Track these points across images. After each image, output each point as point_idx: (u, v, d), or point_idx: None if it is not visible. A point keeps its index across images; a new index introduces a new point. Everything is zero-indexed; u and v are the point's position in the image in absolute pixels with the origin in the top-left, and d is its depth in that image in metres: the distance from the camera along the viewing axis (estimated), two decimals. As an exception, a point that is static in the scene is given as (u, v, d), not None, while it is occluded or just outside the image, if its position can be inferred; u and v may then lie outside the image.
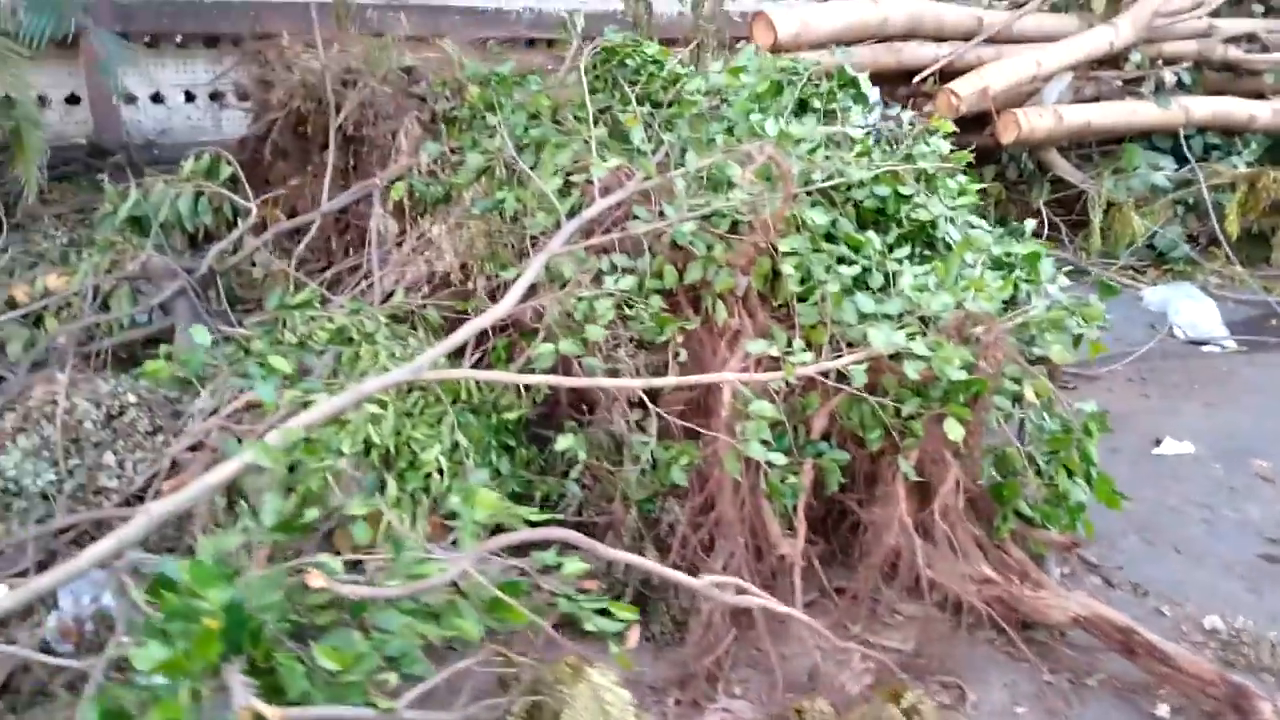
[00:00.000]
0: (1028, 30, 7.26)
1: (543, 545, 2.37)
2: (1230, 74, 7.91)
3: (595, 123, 4.03)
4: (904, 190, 3.50)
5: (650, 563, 2.49)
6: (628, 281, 3.19)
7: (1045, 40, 7.28)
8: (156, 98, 8.07)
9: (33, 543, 3.24)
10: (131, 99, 7.98)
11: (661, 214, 3.44)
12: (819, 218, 3.27)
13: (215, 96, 8.36)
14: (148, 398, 3.72)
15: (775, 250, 3.24)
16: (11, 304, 5.05)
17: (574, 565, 2.20)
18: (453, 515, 2.86)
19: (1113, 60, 7.36)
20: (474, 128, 4.21)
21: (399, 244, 4.25)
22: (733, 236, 3.33)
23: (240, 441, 2.94)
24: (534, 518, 2.36)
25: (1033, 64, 6.72)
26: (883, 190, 3.48)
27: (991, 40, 7.03)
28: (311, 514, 2.49)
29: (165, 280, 4.61)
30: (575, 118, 3.94)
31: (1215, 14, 7.82)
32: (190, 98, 8.30)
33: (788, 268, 3.16)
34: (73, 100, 7.80)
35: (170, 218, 4.83)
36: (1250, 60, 7.98)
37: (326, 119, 5.54)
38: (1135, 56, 7.29)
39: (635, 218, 3.56)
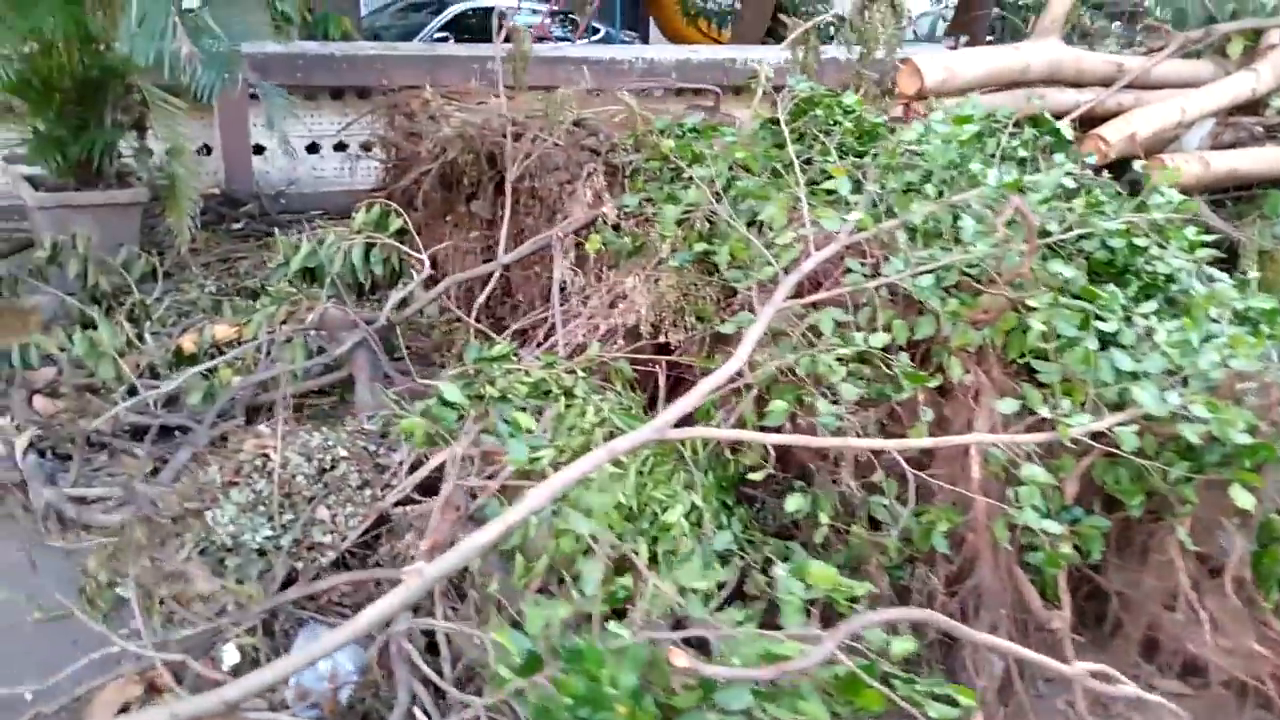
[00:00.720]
0: (1165, 76, 7.13)
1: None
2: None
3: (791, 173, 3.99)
4: (1138, 241, 3.39)
5: (1021, 649, 2.32)
6: (880, 339, 3.10)
7: (1181, 86, 7.15)
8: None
9: (258, 600, 3.20)
10: (259, 150, 8.12)
11: (876, 268, 3.36)
12: (1066, 271, 3.17)
13: (340, 147, 8.49)
14: (355, 451, 3.70)
15: (1018, 305, 3.14)
16: (179, 354, 5.10)
17: (903, 645, 2.09)
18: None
19: (1251, 106, 7.21)
20: (660, 178, 4.18)
21: (585, 297, 4.21)
22: (964, 291, 3.24)
23: (503, 501, 2.87)
24: (859, 592, 2.25)
25: (1178, 110, 6.59)
26: (1117, 242, 3.38)
27: (1130, 86, 6.92)
28: (625, 582, 2.41)
29: (343, 331, 4.61)
30: (775, 170, 3.88)
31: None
32: (315, 149, 8.43)
33: (1036, 323, 3.06)
34: (203, 151, 7.95)
35: (343, 269, 4.85)
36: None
37: (481, 171, 5.59)
38: (1276, 102, 7.13)
39: (850, 270, 3.50)
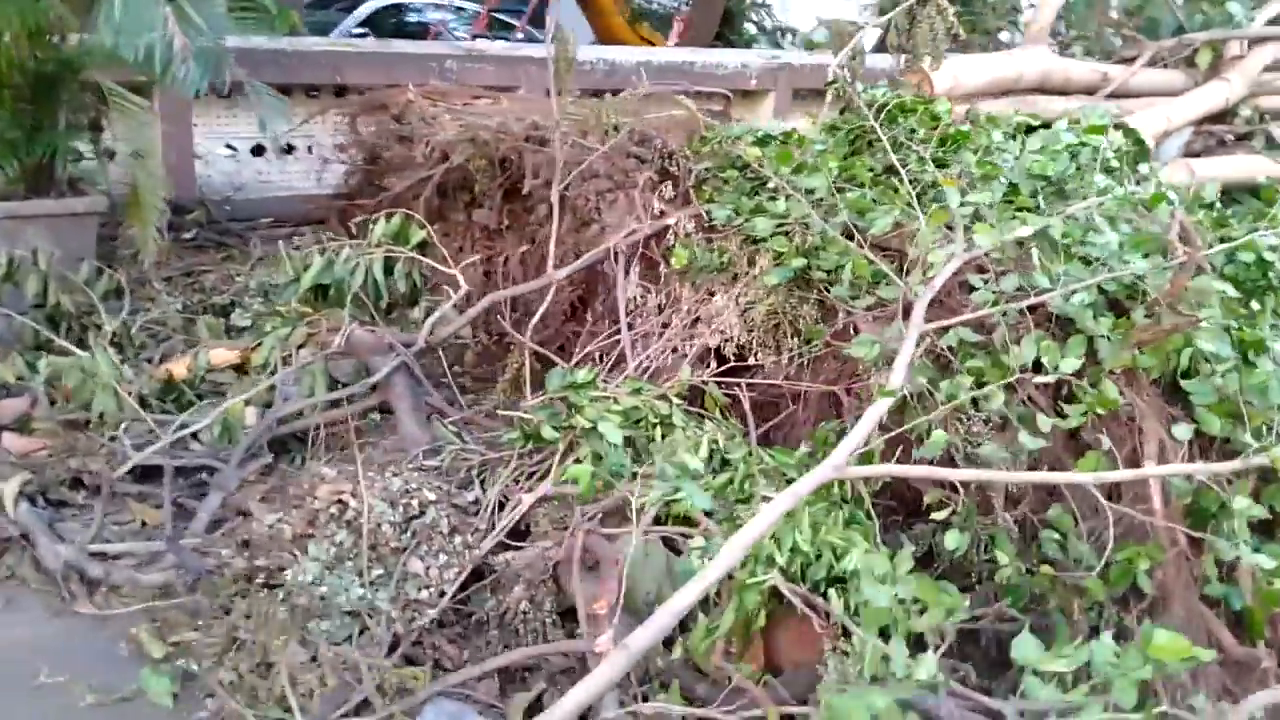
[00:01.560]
0: (1140, 85, 7.26)
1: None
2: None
3: (873, 184, 3.80)
4: (1267, 256, 3.31)
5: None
6: (1071, 364, 2.90)
7: (1156, 94, 7.29)
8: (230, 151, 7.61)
9: (368, 674, 2.81)
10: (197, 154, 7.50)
11: (1022, 285, 3.19)
12: (1222, 288, 3.05)
13: (287, 150, 7.92)
14: (440, 494, 3.32)
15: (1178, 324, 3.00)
16: (169, 382, 4.57)
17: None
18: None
19: (1220, 115, 7.39)
20: (737, 188, 3.92)
21: (645, 314, 3.91)
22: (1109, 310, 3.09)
23: (686, 553, 2.56)
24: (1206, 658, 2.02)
25: (1164, 119, 6.70)
26: (1247, 256, 3.29)
27: (1110, 95, 7.01)
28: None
29: (375, 356, 4.20)
30: (874, 181, 3.67)
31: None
32: (259, 151, 7.83)
33: (1205, 343, 2.92)
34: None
35: (365, 286, 4.41)
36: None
37: (492, 177, 5.22)
38: (1245, 111, 7.32)
39: (973, 289, 3.32)
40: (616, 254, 4.11)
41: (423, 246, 4.64)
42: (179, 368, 4.59)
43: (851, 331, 3.53)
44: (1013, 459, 3.00)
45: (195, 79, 4.66)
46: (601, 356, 4.05)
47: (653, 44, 12.27)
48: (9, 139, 5.02)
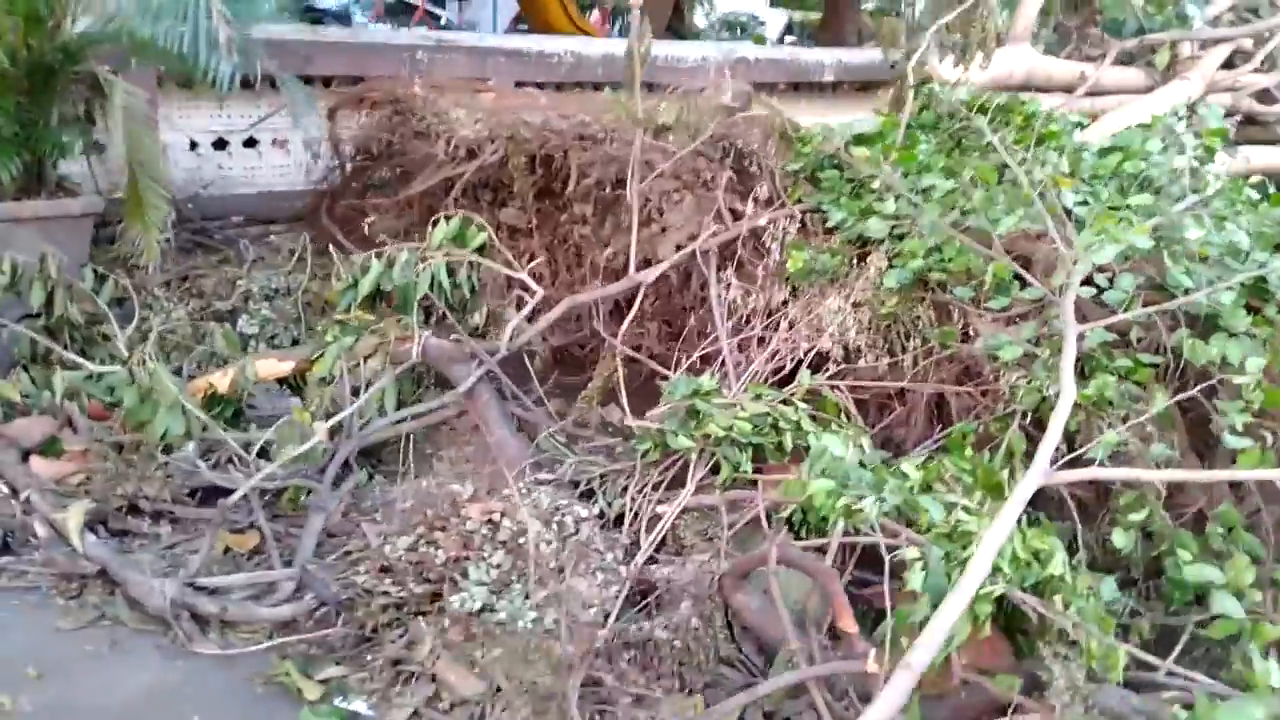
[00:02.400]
0: (1107, 83, 7.55)
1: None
2: (1256, 126, 8.48)
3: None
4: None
5: None
6: (1255, 363, 2.97)
7: (1122, 91, 7.61)
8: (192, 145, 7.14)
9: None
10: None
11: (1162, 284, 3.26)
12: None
13: (250, 143, 7.50)
14: (592, 511, 3.19)
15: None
16: (213, 395, 4.28)
17: None
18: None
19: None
20: (834, 189, 3.89)
21: (771, 318, 3.85)
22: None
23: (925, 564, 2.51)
24: None
25: (1146, 115, 6.95)
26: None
27: (1090, 93, 7.28)
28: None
29: (455, 365, 4.01)
30: (984, 179, 3.69)
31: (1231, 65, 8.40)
32: (222, 144, 7.40)
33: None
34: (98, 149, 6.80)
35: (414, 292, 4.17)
36: (1266, 111, 8.59)
37: (532, 175, 5.05)
38: (1201, 110, 7.68)
39: (1100, 289, 3.38)
40: (706, 255, 4.02)
41: (481, 249, 4.45)
42: (221, 381, 4.30)
43: (972, 333, 3.55)
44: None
45: (228, 71, 4.36)
46: (700, 361, 3.97)
47: (588, 33, 12.12)
48: (7, 136, 4.59)
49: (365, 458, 4.07)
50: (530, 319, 4.18)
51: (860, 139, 4.02)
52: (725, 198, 4.15)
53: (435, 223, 4.47)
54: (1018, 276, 3.39)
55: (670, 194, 4.47)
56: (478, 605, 2.86)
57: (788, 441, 3.41)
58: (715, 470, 3.41)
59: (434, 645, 2.83)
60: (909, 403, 3.74)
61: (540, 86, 8.02)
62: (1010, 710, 2.56)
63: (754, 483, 3.39)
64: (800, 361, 3.78)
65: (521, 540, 3.00)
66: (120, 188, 5.01)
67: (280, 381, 4.40)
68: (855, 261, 3.76)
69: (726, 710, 2.55)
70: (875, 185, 3.76)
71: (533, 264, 4.84)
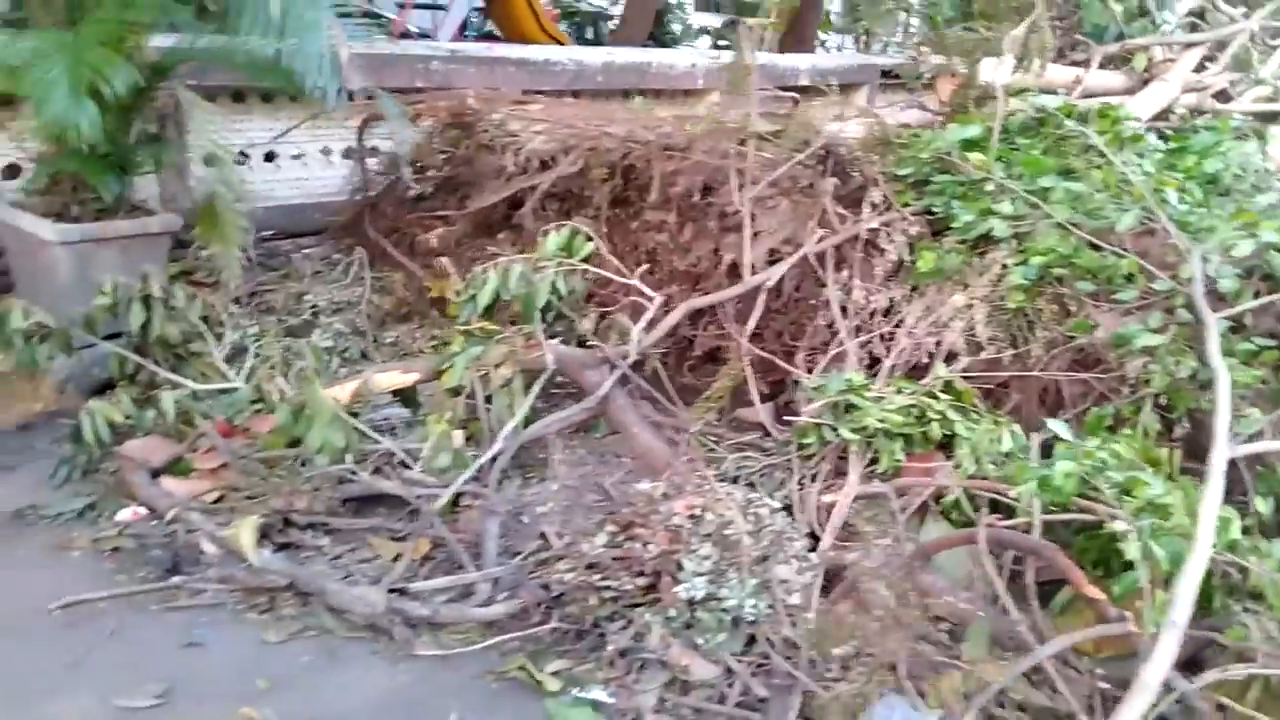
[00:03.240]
0: (1093, 86, 8.00)
1: None
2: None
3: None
4: None
5: None
6: None
7: (1108, 94, 8.05)
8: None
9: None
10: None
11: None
12: None
13: (269, 157, 7.48)
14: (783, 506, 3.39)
15: None
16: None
17: None
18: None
19: (1162, 113, 8.24)
20: (946, 192, 4.16)
21: (888, 314, 4.09)
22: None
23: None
24: None
25: (1142, 114, 7.41)
26: None
27: (1081, 95, 7.69)
28: None
29: (588, 371, 4.16)
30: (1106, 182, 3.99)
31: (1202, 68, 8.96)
32: (243, 158, 7.35)
33: None
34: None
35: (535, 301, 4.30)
36: (1223, 109, 9.17)
37: (609, 185, 5.21)
38: (1178, 110, 8.20)
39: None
40: (822, 258, 4.24)
41: (586, 259, 4.60)
42: (343, 393, 4.36)
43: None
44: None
45: (332, 88, 4.42)
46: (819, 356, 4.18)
47: (560, 41, 12.25)
48: (106, 153, 4.56)
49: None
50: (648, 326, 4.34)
51: (967, 144, 4.28)
52: (832, 204, 4.36)
53: (546, 233, 4.61)
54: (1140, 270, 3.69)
55: (764, 200, 4.69)
56: (701, 594, 3.03)
57: (934, 431, 3.65)
58: (871, 461, 3.64)
59: (663, 634, 2.99)
60: (1024, 392, 4.02)
61: (542, 94, 8.13)
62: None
63: (898, 472, 3.63)
64: (932, 356, 4.02)
65: (726, 532, 3.17)
66: (177, 202, 5.02)
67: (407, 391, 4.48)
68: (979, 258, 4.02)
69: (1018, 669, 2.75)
70: (989, 188, 4.03)
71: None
